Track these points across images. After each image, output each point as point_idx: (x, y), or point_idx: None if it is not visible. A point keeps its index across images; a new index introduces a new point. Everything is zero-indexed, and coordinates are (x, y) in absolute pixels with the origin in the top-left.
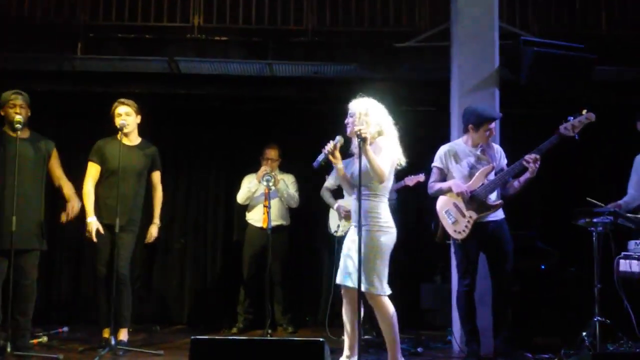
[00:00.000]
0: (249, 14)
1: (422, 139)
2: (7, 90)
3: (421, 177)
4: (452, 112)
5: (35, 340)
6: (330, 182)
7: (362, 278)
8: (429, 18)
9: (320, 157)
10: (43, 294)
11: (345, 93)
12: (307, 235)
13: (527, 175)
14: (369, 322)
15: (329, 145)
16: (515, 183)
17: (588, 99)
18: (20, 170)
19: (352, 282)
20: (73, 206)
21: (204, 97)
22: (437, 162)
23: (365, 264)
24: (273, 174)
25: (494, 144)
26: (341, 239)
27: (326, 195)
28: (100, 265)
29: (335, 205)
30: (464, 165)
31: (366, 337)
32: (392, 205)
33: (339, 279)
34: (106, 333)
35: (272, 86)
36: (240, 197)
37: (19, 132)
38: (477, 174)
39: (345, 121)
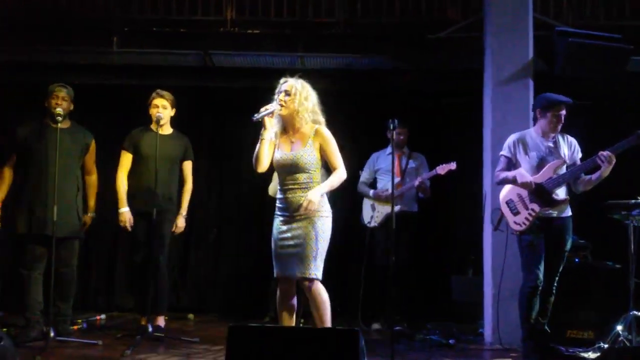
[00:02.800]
0: (280, 6)
1: (454, 130)
2: (47, 83)
3: (453, 166)
4: (486, 103)
5: (75, 327)
6: (365, 176)
7: (312, 265)
8: (461, 9)
9: (259, 115)
10: (79, 283)
11: (376, 85)
12: (340, 226)
13: (599, 173)
14: (399, 313)
15: (271, 107)
16: (587, 178)
17: (624, 90)
18: (61, 160)
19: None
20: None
21: (238, 90)
22: (505, 151)
23: (317, 251)
24: None
25: (568, 136)
26: (374, 230)
27: (362, 188)
28: (136, 252)
29: (372, 192)
30: (532, 156)
31: (397, 327)
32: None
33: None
34: (143, 320)
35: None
36: (272, 190)
37: (59, 124)
38: (546, 166)
39: (278, 96)
